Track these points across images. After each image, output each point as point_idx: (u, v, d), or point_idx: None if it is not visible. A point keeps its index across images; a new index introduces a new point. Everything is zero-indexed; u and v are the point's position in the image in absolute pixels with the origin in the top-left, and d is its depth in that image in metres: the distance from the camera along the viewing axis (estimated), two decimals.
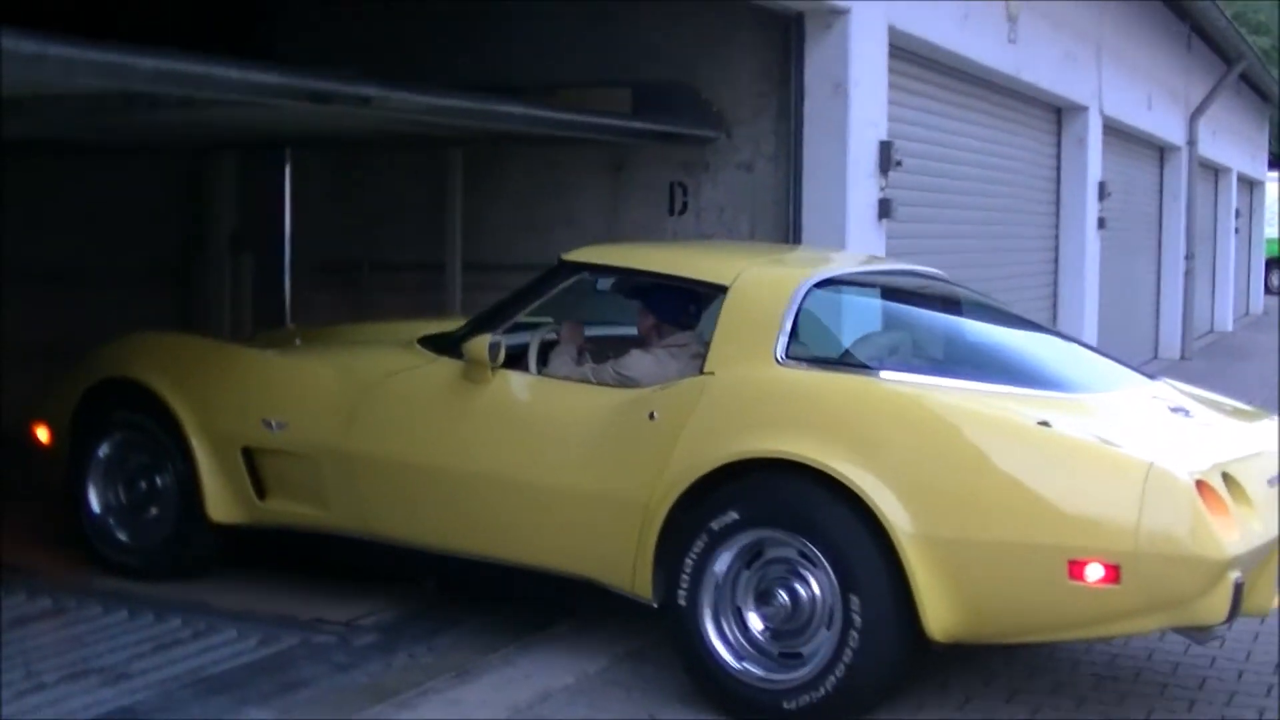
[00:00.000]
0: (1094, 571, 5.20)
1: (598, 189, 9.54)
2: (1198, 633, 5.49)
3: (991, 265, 12.86)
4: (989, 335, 6.91)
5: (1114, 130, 16.63)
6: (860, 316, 6.78)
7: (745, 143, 9.17)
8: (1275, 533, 5.54)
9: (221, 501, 7.14)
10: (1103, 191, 15.69)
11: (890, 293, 7.08)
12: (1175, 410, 6.15)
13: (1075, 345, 7.14)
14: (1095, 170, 15.44)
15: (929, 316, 6.99)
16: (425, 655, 6.53)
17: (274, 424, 6.97)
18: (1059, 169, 15.12)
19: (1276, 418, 6.42)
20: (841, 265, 7.10)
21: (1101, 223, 15.76)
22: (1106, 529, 5.21)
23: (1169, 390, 6.47)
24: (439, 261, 9.68)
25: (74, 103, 6.82)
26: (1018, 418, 5.52)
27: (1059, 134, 15.08)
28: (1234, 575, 5.17)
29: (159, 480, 7.38)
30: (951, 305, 7.00)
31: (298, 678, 6.20)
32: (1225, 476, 5.40)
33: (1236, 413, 6.56)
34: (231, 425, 7.10)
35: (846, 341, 6.54)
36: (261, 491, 7.11)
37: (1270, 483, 5.69)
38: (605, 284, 6.84)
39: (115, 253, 10.88)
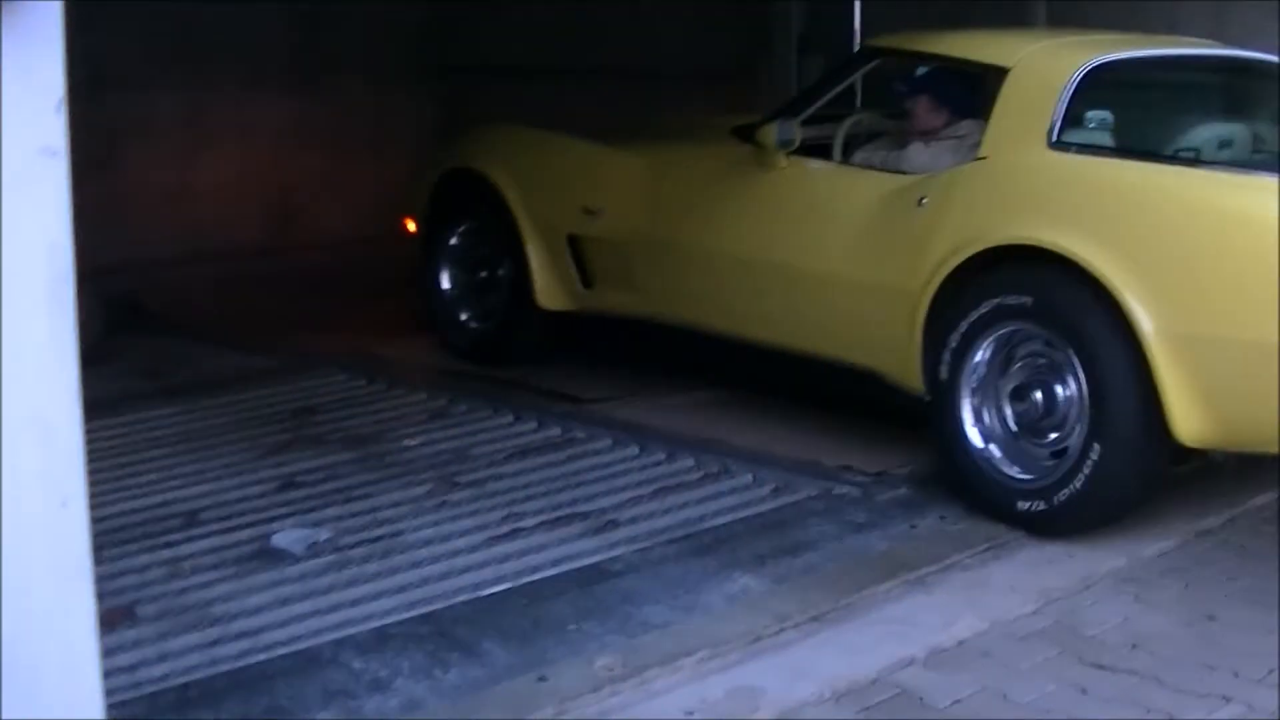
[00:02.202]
0: None
1: None
2: None
3: None
4: (1272, 129, 6.28)
5: None
6: (1151, 104, 6.41)
7: None
8: None
9: (550, 289, 7.32)
10: None
11: (1191, 81, 6.66)
12: None
13: None
14: None
15: (1233, 106, 6.49)
16: (958, 519, 5.58)
17: (593, 211, 7.04)
18: None
19: None
20: (1148, 48, 6.45)
21: None
22: None
23: None
24: None
25: None
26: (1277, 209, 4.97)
27: None
28: None
29: (499, 268, 7.55)
30: (1255, 96, 6.54)
31: (804, 538, 5.38)
32: None
33: None
34: (557, 213, 7.26)
35: (1129, 128, 5.98)
36: (588, 280, 7.19)
37: None
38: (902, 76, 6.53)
39: (685, 55, 10.26)
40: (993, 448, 5.62)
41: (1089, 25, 7.89)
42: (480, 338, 7.73)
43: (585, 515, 5.54)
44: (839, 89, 6.58)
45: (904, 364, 5.85)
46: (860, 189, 6.18)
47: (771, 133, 6.29)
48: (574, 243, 7.20)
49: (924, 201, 5.83)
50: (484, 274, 7.69)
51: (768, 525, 5.50)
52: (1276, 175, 5.28)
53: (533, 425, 6.61)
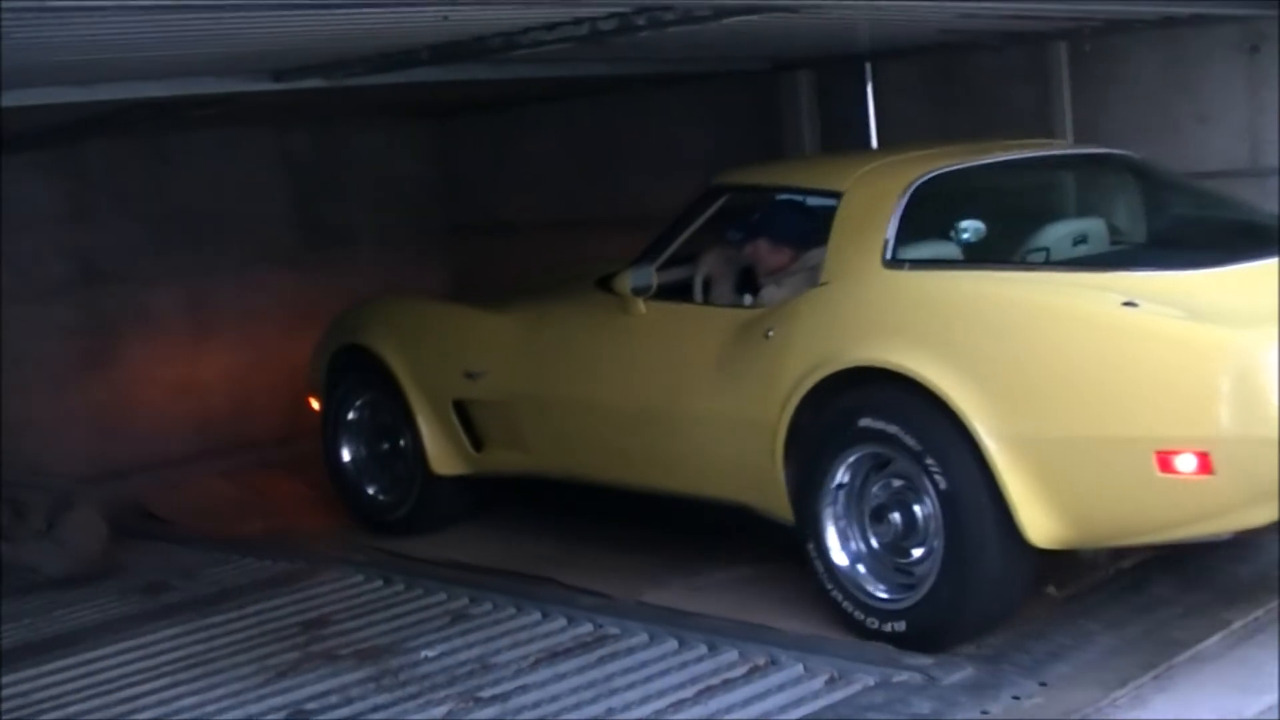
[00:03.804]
0: (1185, 462, 4.85)
1: (1231, 76, 7.57)
2: None
3: None
4: (1128, 221, 6.58)
5: None
6: (1002, 209, 6.54)
7: None
8: None
9: (442, 455, 7.40)
10: None
11: (1046, 182, 6.90)
12: None
13: (1246, 213, 6.48)
14: None
15: (1088, 202, 6.72)
16: (1034, 695, 5.06)
17: (474, 374, 7.15)
18: None
19: None
20: (987, 156, 6.53)
21: None
22: (1194, 414, 4.85)
23: None
24: None
25: (565, 30, 5.75)
26: (1098, 304, 5.18)
27: None
28: None
29: (401, 439, 7.61)
30: (1106, 191, 6.76)
31: None
32: None
33: None
34: (440, 380, 7.36)
35: (957, 238, 6.06)
36: (478, 444, 7.28)
37: None
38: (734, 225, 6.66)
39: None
40: (860, 568, 5.70)
41: (1117, 136, 7.59)
42: (388, 509, 7.79)
43: None
44: (691, 229, 6.63)
45: (770, 495, 5.91)
46: (713, 327, 6.31)
47: (626, 281, 6.44)
48: (460, 407, 7.30)
49: (770, 333, 5.95)
50: (386, 446, 7.77)
51: None
52: (1118, 270, 5.59)
53: (561, 623, 6.11)
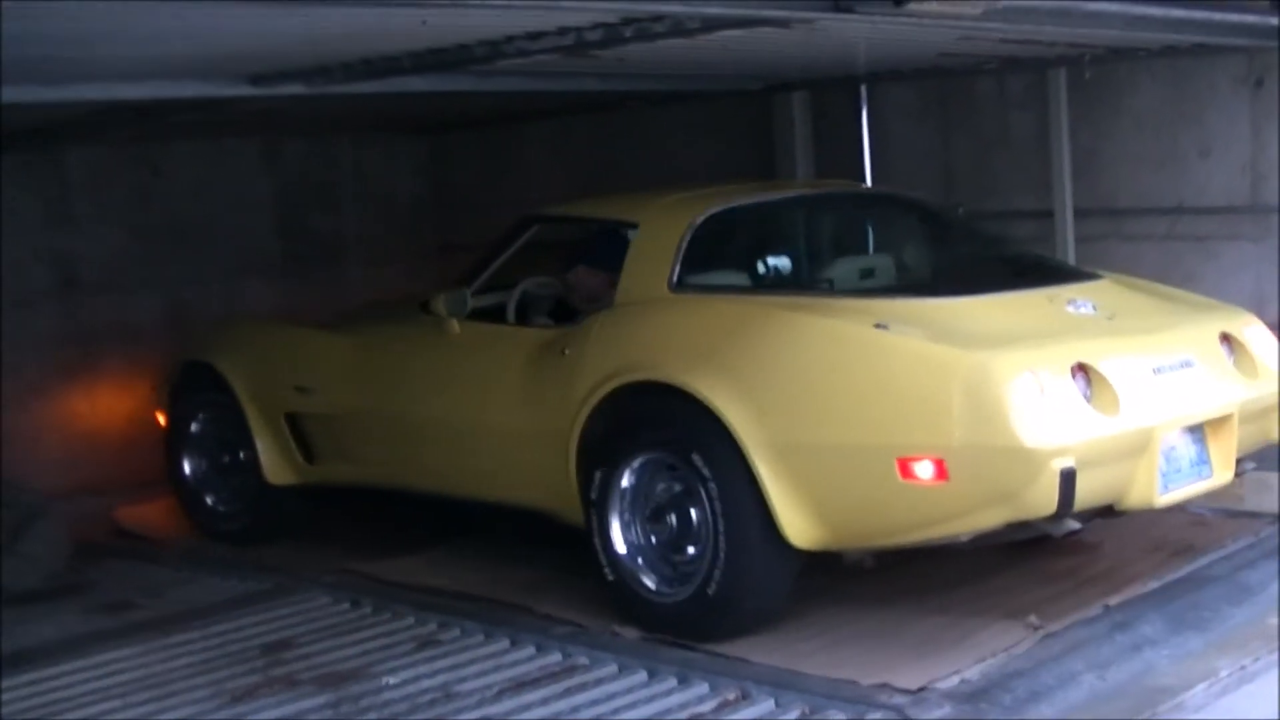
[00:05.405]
0: (923, 469, 5.28)
1: (1234, 110, 7.48)
2: (1049, 524, 5.44)
3: None
4: (914, 256, 7.11)
5: None
6: (769, 245, 7.13)
7: None
8: (1152, 423, 5.50)
9: (276, 466, 7.73)
10: None
11: (815, 222, 7.37)
12: (1075, 307, 6.02)
13: (999, 249, 7.24)
14: None
15: (855, 242, 7.30)
16: None
17: (305, 389, 7.53)
18: None
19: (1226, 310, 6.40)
20: (778, 193, 7.31)
21: None
22: (930, 425, 5.28)
23: (1097, 289, 6.29)
24: (1047, 208, 7.90)
25: (549, 40, 5.60)
26: (851, 324, 5.65)
27: None
28: (1059, 464, 5.16)
29: (241, 452, 7.89)
30: (895, 229, 7.33)
31: None
32: (1082, 367, 5.44)
33: (1177, 307, 6.41)
34: (274, 394, 7.70)
35: (739, 267, 6.74)
36: (310, 456, 7.65)
37: (1157, 371, 5.68)
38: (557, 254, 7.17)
39: None
40: (639, 560, 6.08)
41: (1116, 167, 7.44)
42: (226, 519, 8.08)
43: None
44: (504, 257, 7.09)
45: (565, 501, 6.30)
46: (519, 346, 6.72)
47: (441, 303, 6.82)
48: (293, 420, 7.65)
49: (567, 351, 6.38)
50: (227, 459, 8.04)
51: None
52: (878, 297, 6.02)
53: (530, 652, 5.93)
